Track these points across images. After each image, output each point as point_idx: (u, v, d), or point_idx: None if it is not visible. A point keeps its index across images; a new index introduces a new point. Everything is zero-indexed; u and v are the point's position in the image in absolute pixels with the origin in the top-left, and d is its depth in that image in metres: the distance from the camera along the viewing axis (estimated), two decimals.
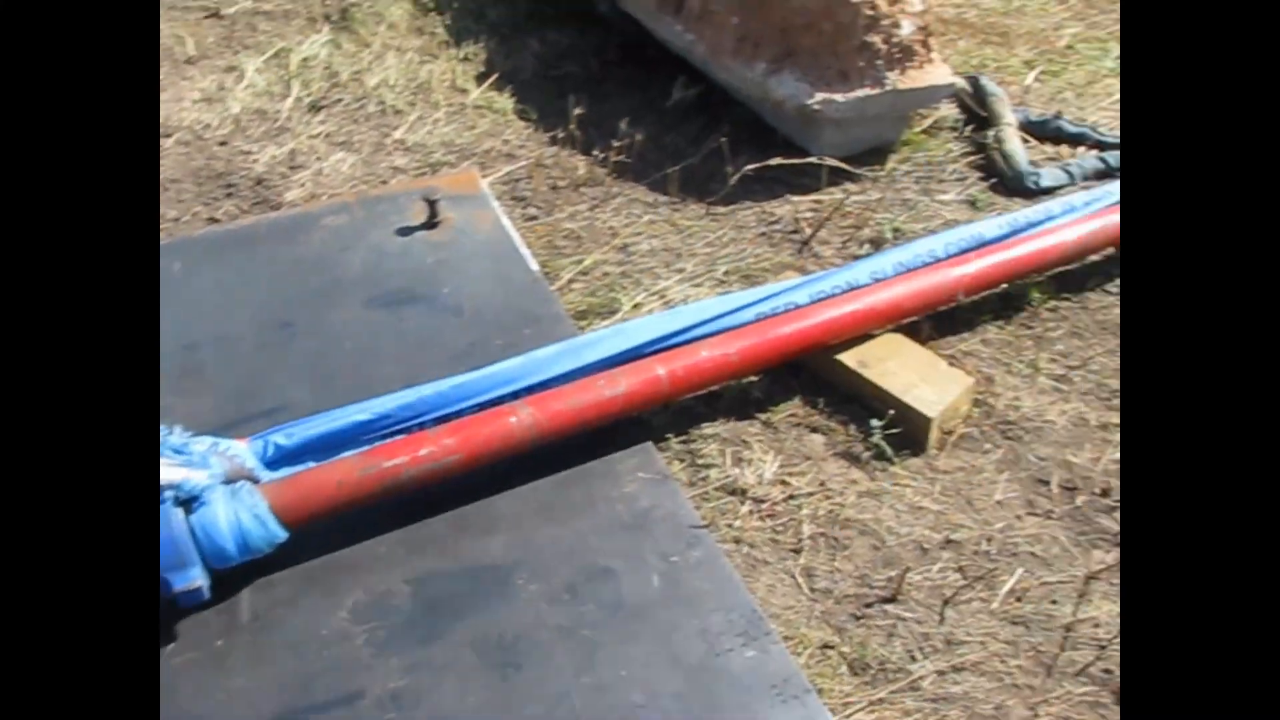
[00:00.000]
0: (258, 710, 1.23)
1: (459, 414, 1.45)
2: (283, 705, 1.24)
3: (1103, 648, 1.35)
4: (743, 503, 1.51)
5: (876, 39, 2.05)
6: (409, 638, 1.30)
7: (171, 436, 1.29)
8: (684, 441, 1.58)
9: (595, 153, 2.17)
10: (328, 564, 1.37)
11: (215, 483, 1.28)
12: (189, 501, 1.26)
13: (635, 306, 1.78)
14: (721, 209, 2.05)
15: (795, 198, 2.08)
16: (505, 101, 2.35)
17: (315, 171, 2.10)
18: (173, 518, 1.25)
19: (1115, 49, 2.61)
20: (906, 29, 2.07)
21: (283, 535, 1.30)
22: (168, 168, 2.11)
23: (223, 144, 2.21)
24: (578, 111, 2.20)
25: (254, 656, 1.28)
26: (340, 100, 2.33)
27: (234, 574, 1.31)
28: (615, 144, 2.14)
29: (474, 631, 1.31)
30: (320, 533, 1.37)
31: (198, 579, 1.26)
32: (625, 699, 1.24)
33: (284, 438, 1.38)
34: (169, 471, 1.26)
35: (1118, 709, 1.30)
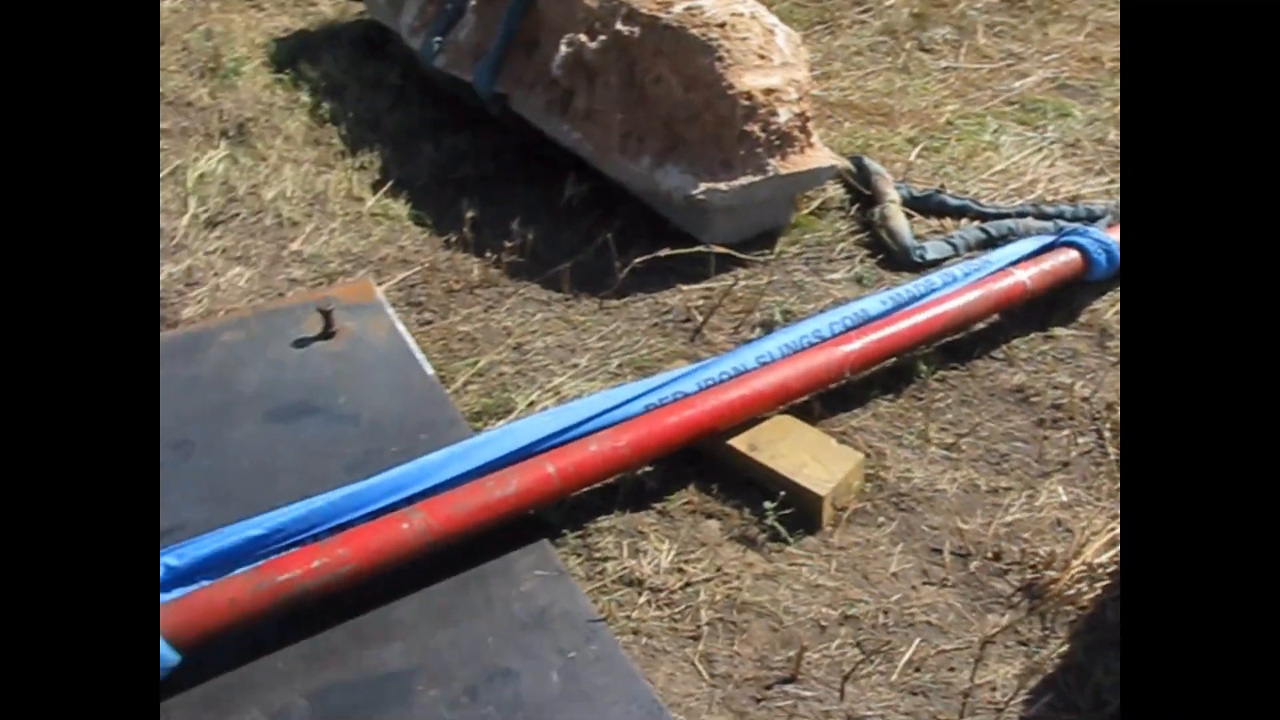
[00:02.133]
0: None
1: (352, 523, 1.46)
2: None
3: (1000, 710, 1.38)
4: (640, 593, 1.52)
5: (755, 127, 2.12)
6: None
7: None
8: (580, 536, 1.60)
9: (489, 254, 2.21)
10: (225, 684, 1.36)
11: None
12: None
13: (530, 404, 1.81)
14: (615, 302, 2.09)
15: (686, 286, 2.13)
16: (401, 208, 2.39)
17: (212, 287, 2.11)
18: None
19: (993, 123, 2.71)
20: (784, 116, 2.14)
21: (175, 659, 1.30)
22: None
23: None
24: (470, 214, 2.24)
25: None
26: (237, 215, 2.35)
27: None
28: (508, 244, 2.19)
29: None
30: (216, 652, 1.37)
31: None
32: None
33: (175, 559, 1.38)
34: None
35: None
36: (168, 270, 2.14)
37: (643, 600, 1.51)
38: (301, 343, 1.88)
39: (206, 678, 1.36)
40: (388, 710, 1.33)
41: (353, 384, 1.79)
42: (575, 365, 1.91)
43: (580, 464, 1.52)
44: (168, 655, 1.29)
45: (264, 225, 2.31)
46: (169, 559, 1.38)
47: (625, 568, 1.55)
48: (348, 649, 1.40)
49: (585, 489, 1.61)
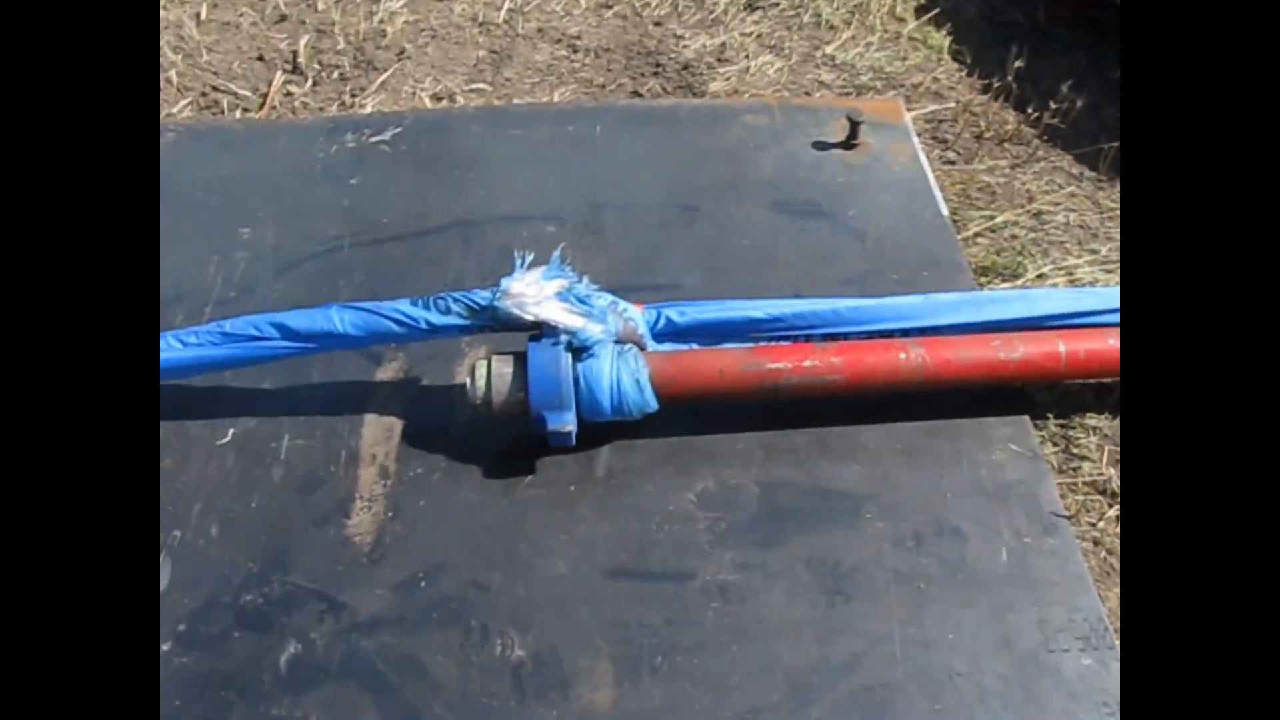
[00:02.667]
0: (595, 560, 1.28)
1: (845, 336, 1.44)
2: (618, 564, 1.28)
3: None
4: (1111, 505, 1.42)
5: None
6: (749, 537, 1.31)
7: (579, 285, 1.33)
8: (1063, 426, 1.51)
9: (1028, 110, 2.07)
10: (685, 445, 1.40)
11: (608, 340, 1.32)
12: (580, 350, 1.31)
13: (1039, 277, 1.70)
14: None
15: None
16: (941, 39, 2.28)
17: (742, 69, 2.11)
18: (562, 360, 1.30)
19: None
20: None
21: (654, 406, 1.33)
22: (602, 36, 2.18)
23: (657, 24, 2.25)
24: (1017, 64, 2.11)
25: (601, 510, 1.33)
26: (776, 4, 2.32)
27: (598, 430, 1.36)
28: (1051, 105, 2.03)
29: (812, 550, 1.30)
30: (684, 413, 1.40)
31: (570, 423, 1.31)
32: (946, 662, 1.21)
33: (677, 314, 1.40)
34: (569, 317, 1.30)
35: None
36: (701, 41, 2.15)
37: (1111, 513, 1.42)
38: (821, 145, 1.85)
39: (669, 434, 1.40)
40: (832, 525, 1.32)
41: (864, 200, 1.75)
42: (1094, 251, 1.78)
43: (1093, 354, 1.41)
44: (650, 400, 1.33)
45: (802, 21, 2.27)
46: (671, 312, 1.40)
47: (1102, 474, 1.45)
48: (807, 454, 1.39)
49: (1084, 380, 1.51)
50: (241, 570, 1.28)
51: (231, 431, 1.42)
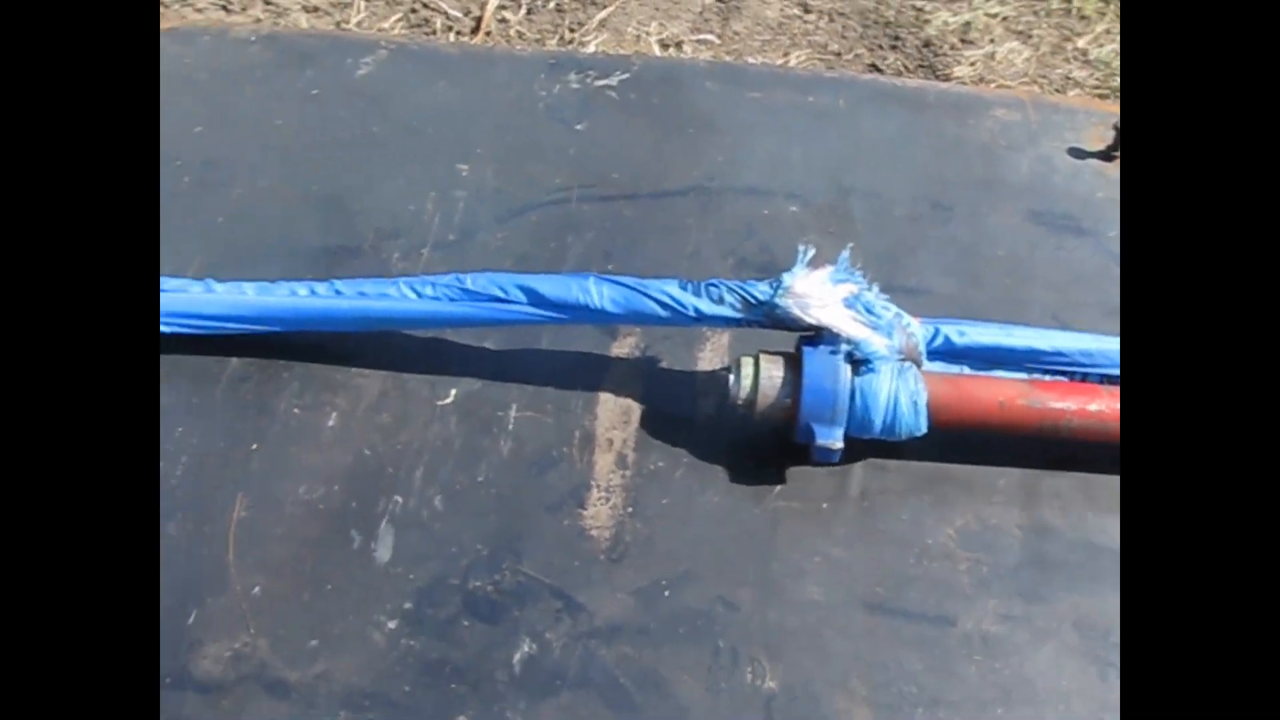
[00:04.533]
0: (850, 589, 1.18)
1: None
2: (875, 597, 1.18)
3: None
4: None
5: None
6: (1011, 586, 1.21)
7: (868, 293, 1.22)
8: None
9: None
10: (941, 473, 1.29)
11: (890, 356, 1.21)
12: (858, 362, 1.21)
13: None
14: None
15: None
16: None
17: (987, 54, 1.98)
18: (841, 372, 1.20)
19: None
20: None
21: (924, 430, 1.23)
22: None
23: None
24: None
25: (856, 534, 1.23)
26: None
27: (850, 444, 1.26)
28: None
29: (1080, 611, 1.20)
30: (943, 440, 1.29)
31: (840, 440, 1.21)
32: None
33: (956, 334, 1.29)
34: (855, 327, 1.20)
35: None
36: (944, 18, 2.02)
37: None
38: (1078, 153, 1.71)
39: (926, 458, 1.30)
40: (1101, 586, 1.21)
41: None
42: None
43: None
44: (922, 424, 1.22)
45: (1050, 7, 2.12)
46: (950, 331, 1.29)
47: None
48: (1071, 501, 1.28)
49: None
50: (470, 551, 1.19)
51: (454, 392, 1.33)
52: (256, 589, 1.15)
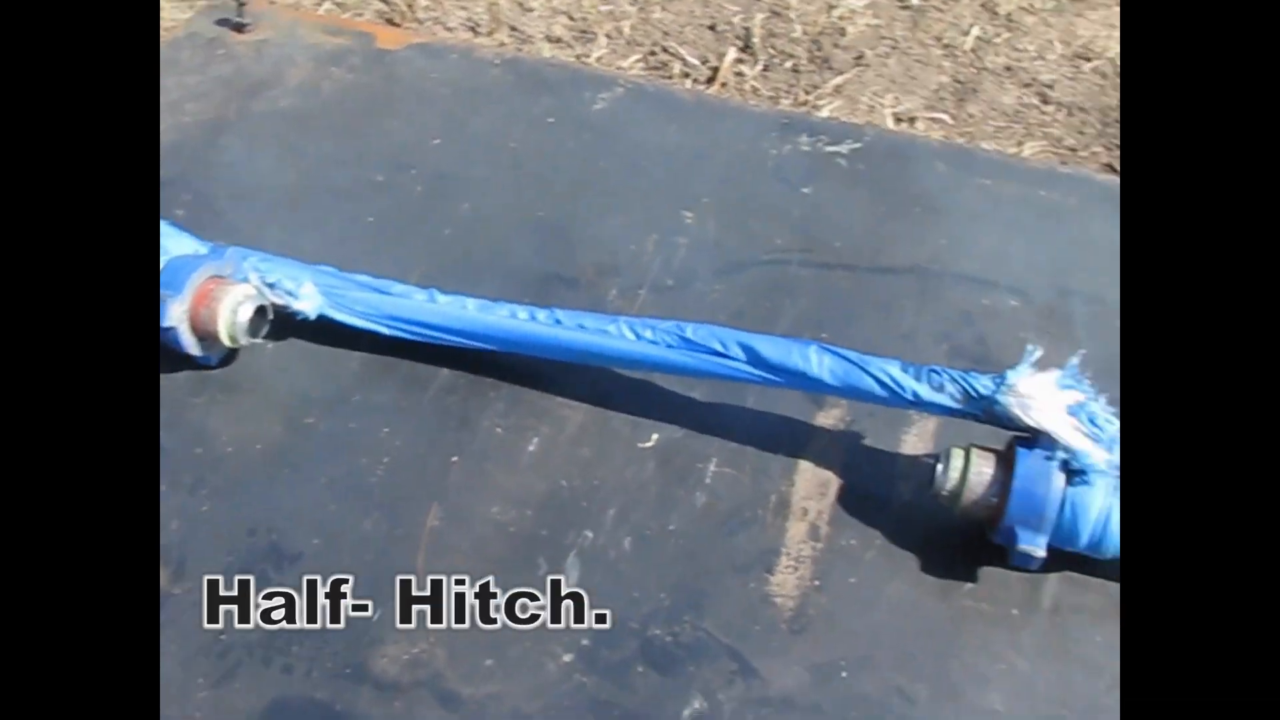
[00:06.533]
0: (1034, 705, 1.14)
1: None
2: (1058, 717, 1.14)
3: None
4: None
5: None
6: None
7: (1094, 404, 1.19)
8: None
9: None
10: None
11: (1109, 470, 1.17)
12: (1075, 473, 1.17)
13: None
14: None
15: None
16: None
17: None
18: (1055, 480, 1.17)
19: None
20: None
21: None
22: (1077, 92, 2.01)
23: None
24: None
25: (1044, 649, 1.19)
26: None
27: (1053, 554, 1.21)
28: None
29: None
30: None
31: (1043, 548, 1.18)
32: None
33: None
34: (1076, 436, 1.17)
35: None
36: None
37: None
38: None
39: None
40: None
41: None
42: None
43: None
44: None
45: None
46: None
47: None
48: None
49: None
50: (652, 598, 1.19)
51: (655, 437, 1.34)
52: None
